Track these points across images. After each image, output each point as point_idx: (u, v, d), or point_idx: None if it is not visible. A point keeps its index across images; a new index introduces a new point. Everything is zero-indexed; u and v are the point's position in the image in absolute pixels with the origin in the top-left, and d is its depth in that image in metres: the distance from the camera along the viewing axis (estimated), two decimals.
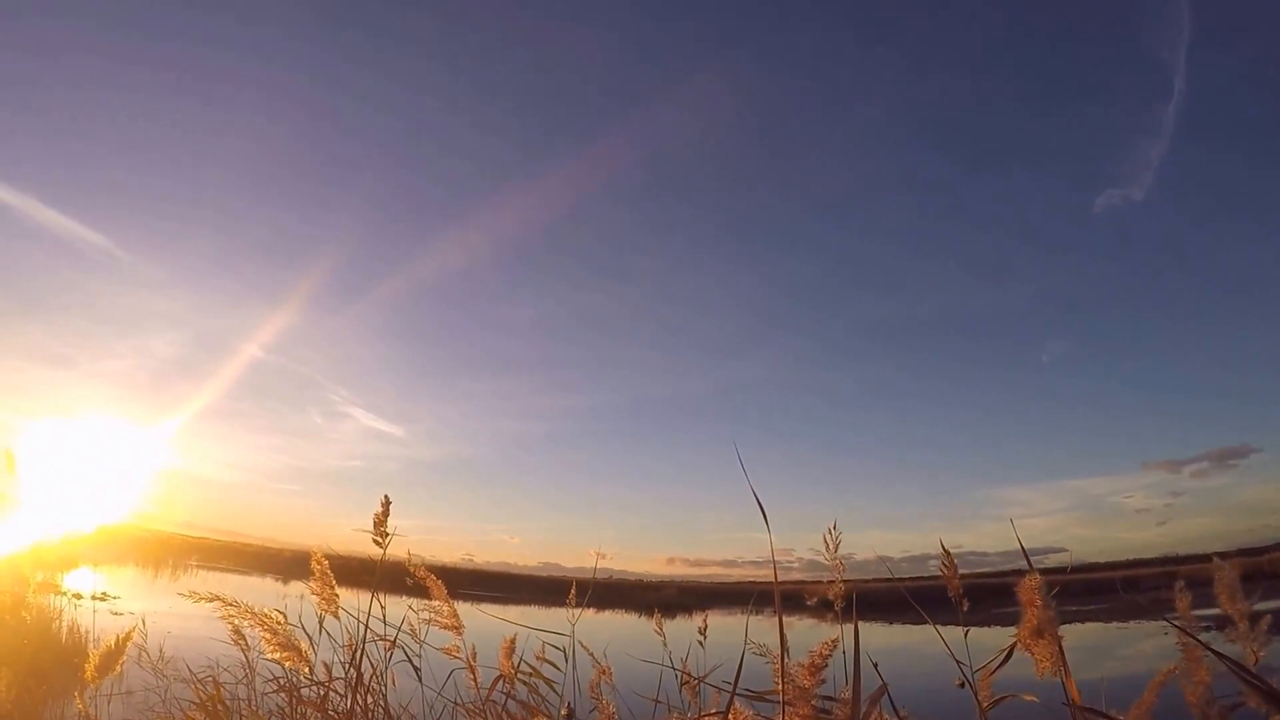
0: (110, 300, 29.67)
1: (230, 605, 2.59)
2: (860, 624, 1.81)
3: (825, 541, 2.65)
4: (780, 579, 1.94)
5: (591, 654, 3.52)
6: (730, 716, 1.95)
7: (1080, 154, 30.98)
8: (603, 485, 40.25)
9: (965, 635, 2.25)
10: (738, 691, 1.95)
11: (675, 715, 2.63)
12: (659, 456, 40.24)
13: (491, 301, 35.11)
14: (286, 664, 2.76)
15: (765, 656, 2.23)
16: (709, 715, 2.44)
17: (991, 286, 33.37)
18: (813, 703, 1.83)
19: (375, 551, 3.24)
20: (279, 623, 2.63)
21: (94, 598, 5.11)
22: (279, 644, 2.64)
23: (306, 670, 2.82)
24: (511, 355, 37.24)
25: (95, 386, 26.80)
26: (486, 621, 3.55)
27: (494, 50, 29.35)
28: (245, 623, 2.63)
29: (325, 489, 36.29)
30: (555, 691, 3.51)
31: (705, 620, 3.63)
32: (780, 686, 1.89)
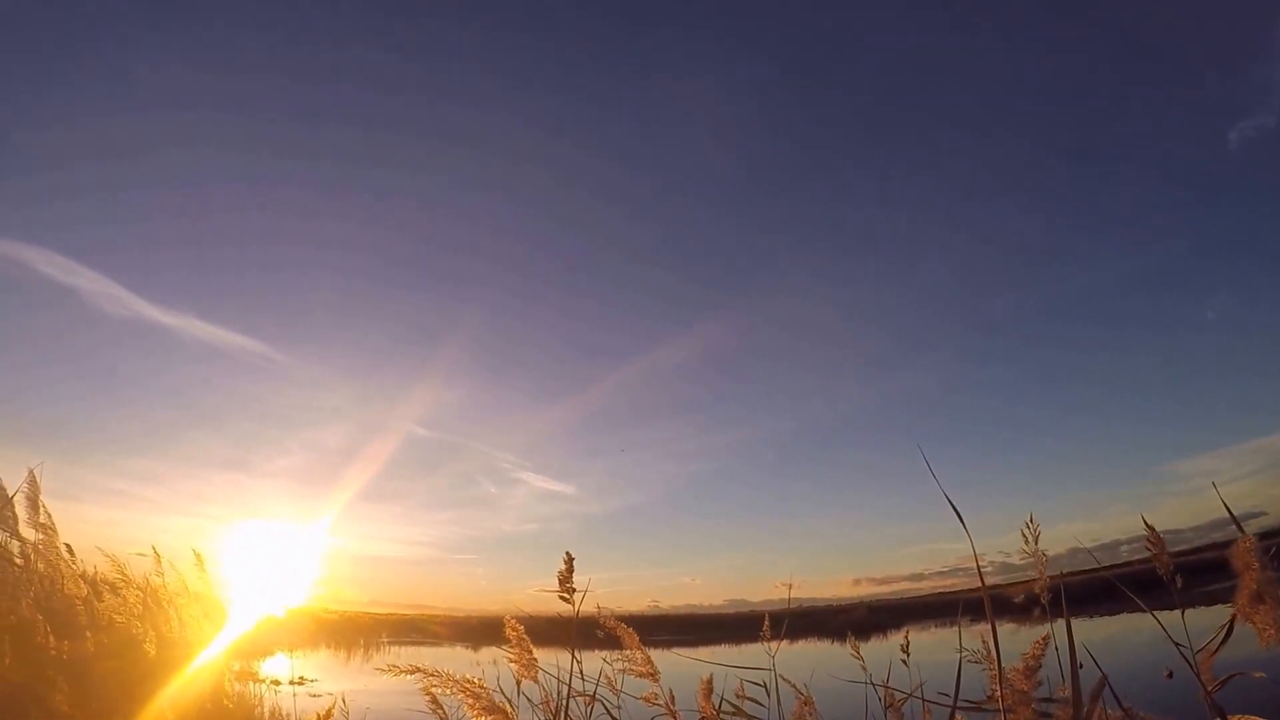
0: (274, 401, 31.83)
1: (431, 675, 2.53)
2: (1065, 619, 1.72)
3: (1024, 535, 2.41)
4: (973, 584, 1.73)
5: (793, 685, 3.31)
6: None
7: (1202, 92, 28.44)
8: (778, 515, 39.93)
9: (1183, 615, 2.10)
10: (951, 704, 1.76)
11: None
12: (830, 479, 39.55)
13: (637, 348, 35.77)
14: None
15: (981, 664, 2.06)
16: None
17: (1140, 249, 31.07)
18: (1032, 705, 1.62)
19: (560, 609, 3.15)
20: (481, 688, 2.55)
21: (291, 682, 5.33)
22: (483, 709, 2.56)
23: None
24: (668, 398, 37.60)
25: (272, 483, 28.75)
26: (681, 665, 3.42)
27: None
28: (447, 692, 2.57)
29: (504, 554, 37.54)
30: None
31: (907, 637, 3.36)
32: (999, 692, 1.68)
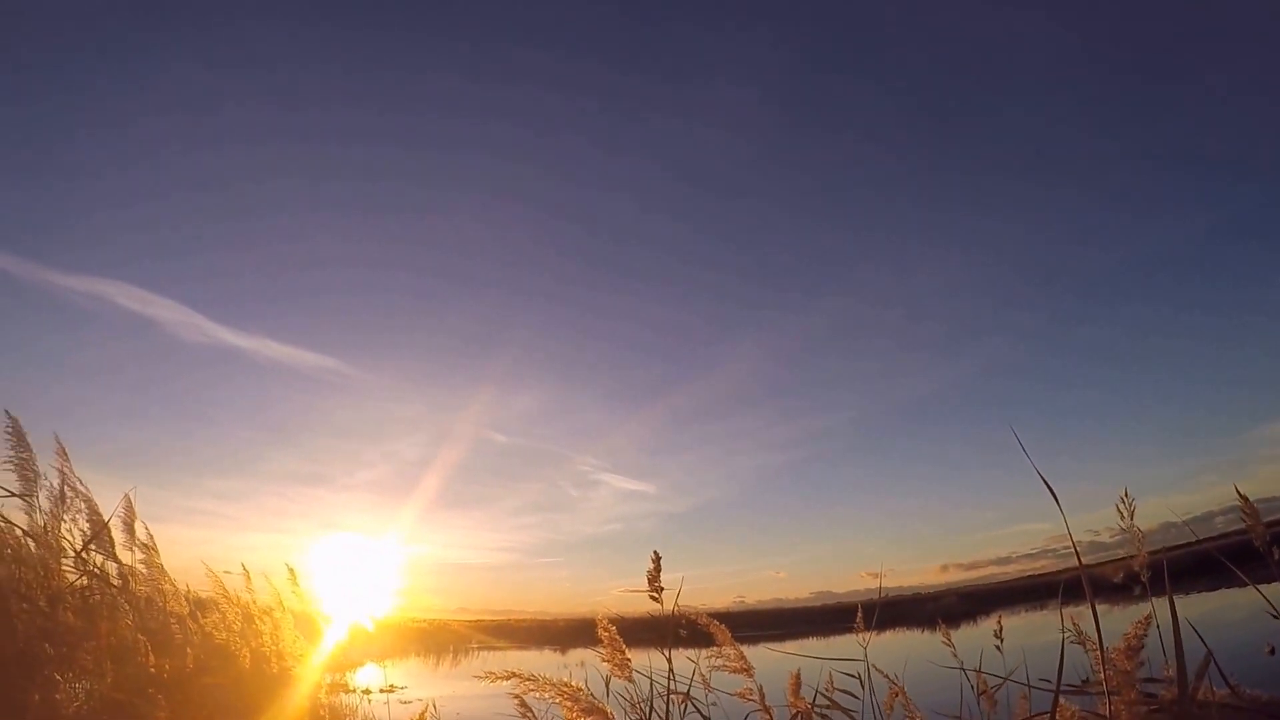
0: (350, 416, 32.83)
1: (527, 680, 2.54)
2: (1162, 596, 1.68)
3: (1119, 511, 2.34)
4: (1063, 565, 1.65)
5: (886, 675, 3.27)
6: (1058, 714, 1.69)
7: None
8: (859, 503, 39.68)
9: None
10: (1054, 688, 1.71)
11: None
12: (909, 463, 39.26)
13: (706, 343, 35.80)
14: None
15: (1083, 647, 2.02)
16: (1036, 716, 2.18)
17: (1227, 200, 29.68)
18: (1136, 686, 1.56)
19: (646, 609, 3.14)
20: (579, 690, 2.56)
21: (382, 690, 5.45)
22: (582, 711, 2.56)
23: None
24: (742, 392, 37.64)
25: (353, 496, 29.58)
26: (771, 660, 3.39)
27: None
28: (545, 695, 2.57)
29: (587, 556, 38.08)
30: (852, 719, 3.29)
31: (1000, 623, 3.29)
32: (1102, 674, 1.63)
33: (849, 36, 28.70)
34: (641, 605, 3.17)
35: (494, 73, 27.93)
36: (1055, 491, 2.00)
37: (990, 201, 32.25)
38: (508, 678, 2.52)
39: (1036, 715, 2.13)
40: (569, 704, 2.55)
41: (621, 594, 3.18)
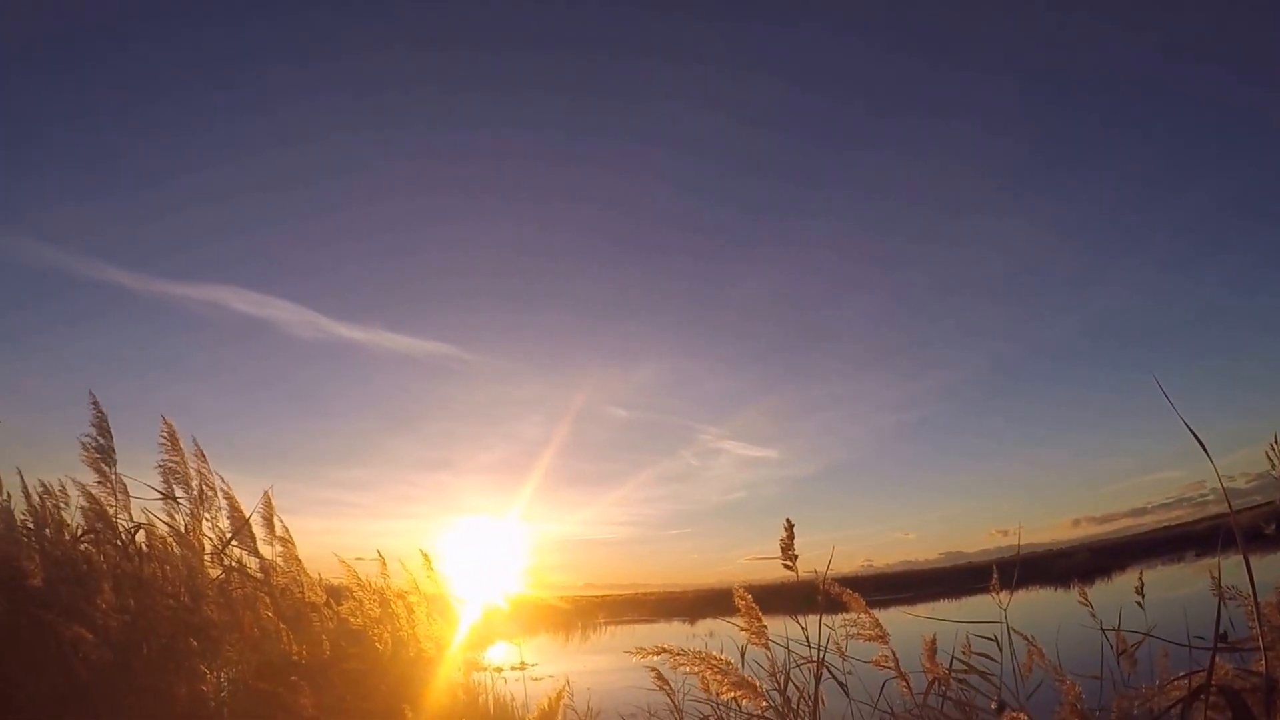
0: (469, 400, 33.44)
1: (677, 655, 2.57)
2: None
3: (1269, 458, 2.26)
4: (1198, 515, 1.58)
5: (1025, 637, 3.22)
6: (1212, 672, 1.62)
7: None
8: (985, 459, 38.94)
9: None
10: (1211, 645, 1.63)
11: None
12: (1034, 415, 38.28)
13: (818, 306, 35.51)
14: (743, 701, 2.73)
15: (1224, 601, 1.93)
16: (1190, 675, 2.10)
17: None
18: None
19: (775, 577, 3.12)
20: (727, 663, 2.58)
21: (513, 668, 5.61)
22: (732, 684, 2.59)
23: (763, 704, 2.77)
24: (861, 350, 37.29)
25: (477, 479, 30.08)
26: (903, 623, 3.37)
27: None
28: (692, 669, 2.60)
29: (714, 525, 38.24)
30: (992, 683, 3.24)
31: (1141, 578, 3.21)
32: (1258, 630, 1.55)
33: None
34: (770, 573, 3.18)
35: (596, 48, 27.81)
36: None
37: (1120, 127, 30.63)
38: (658, 653, 2.57)
39: (1193, 673, 2.06)
40: (718, 677, 2.59)
41: (747, 562, 3.20)
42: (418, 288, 31.75)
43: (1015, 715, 1.68)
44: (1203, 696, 1.59)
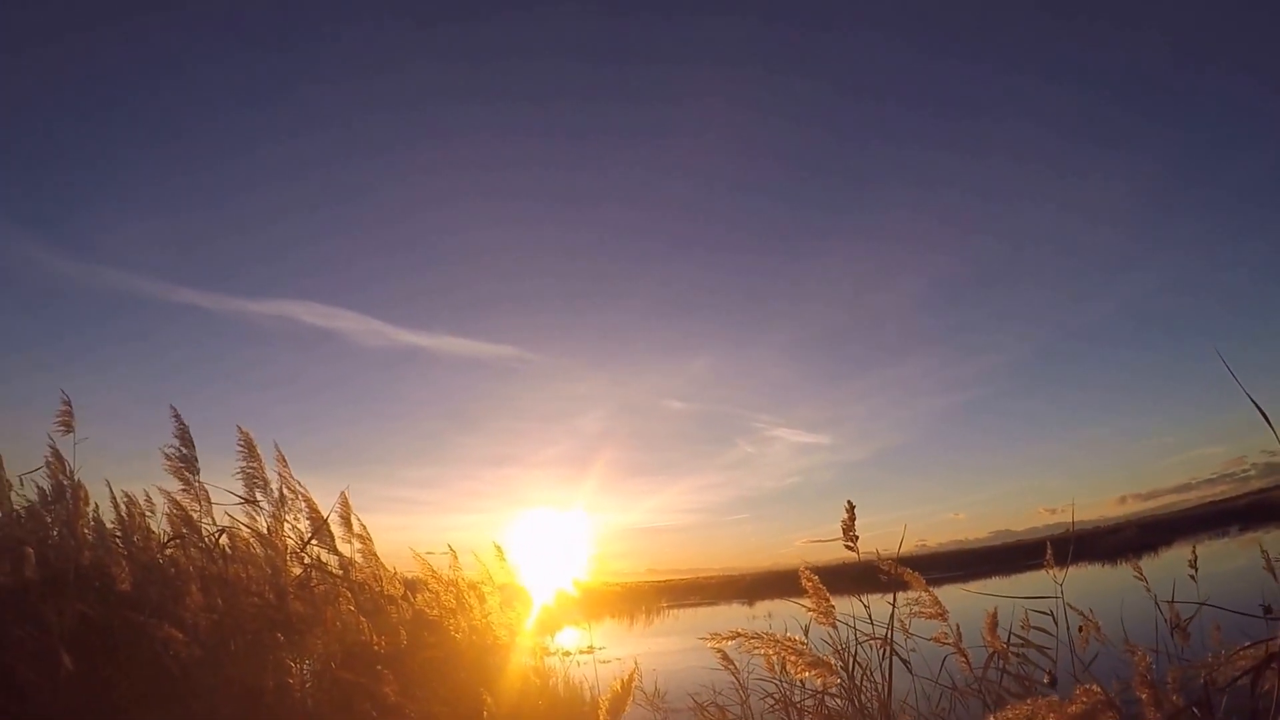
0: (532, 397, 34.76)
1: (752, 639, 2.71)
2: None
3: None
4: (1241, 490, 1.69)
5: (1080, 611, 3.33)
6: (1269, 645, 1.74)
7: None
8: (1031, 439, 39.37)
9: None
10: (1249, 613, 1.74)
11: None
12: (1079, 396, 38.51)
13: (872, 289, 35.85)
14: (818, 680, 2.86)
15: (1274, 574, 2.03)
16: (1256, 644, 2.21)
17: None
18: None
19: (833, 558, 3.23)
20: (802, 644, 2.72)
21: (582, 652, 5.84)
22: (808, 665, 2.72)
23: (836, 682, 2.90)
24: (909, 336, 37.81)
25: (542, 473, 31.02)
26: (958, 600, 3.50)
27: None
28: (768, 652, 2.73)
29: (771, 510, 39.08)
30: (1049, 657, 3.37)
31: (1194, 551, 3.32)
32: None
33: None
34: (826, 554, 3.32)
35: (647, 55, 28.41)
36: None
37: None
38: (732, 638, 2.72)
39: (1261, 641, 2.17)
40: (794, 658, 2.73)
41: (803, 545, 3.34)
42: (480, 293, 34.54)
43: (1088, 686, 1.81)
44: (1273, 665, 1.69)
